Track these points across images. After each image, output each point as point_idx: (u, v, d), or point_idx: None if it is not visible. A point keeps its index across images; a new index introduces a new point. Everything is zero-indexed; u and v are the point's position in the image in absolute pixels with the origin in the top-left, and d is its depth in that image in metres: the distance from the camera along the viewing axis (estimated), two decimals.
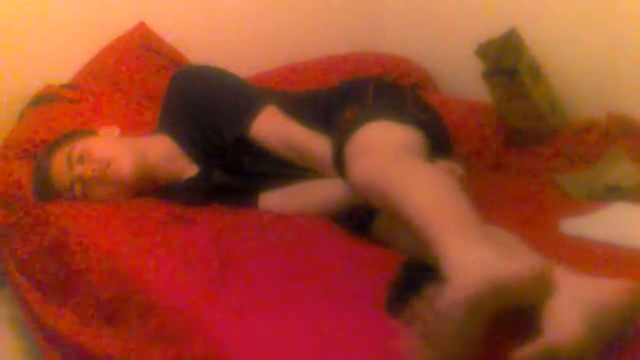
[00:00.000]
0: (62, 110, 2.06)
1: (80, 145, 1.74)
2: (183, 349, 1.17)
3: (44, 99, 2.11)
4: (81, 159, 1.71)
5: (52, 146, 1.80)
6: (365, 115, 1.53)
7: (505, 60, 2.09)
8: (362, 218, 1.51)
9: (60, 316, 1.59)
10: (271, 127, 1.69)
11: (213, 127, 1.74)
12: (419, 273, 1.21)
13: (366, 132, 1.47)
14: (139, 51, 2.27)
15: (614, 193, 1.65)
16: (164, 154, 1.81)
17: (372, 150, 1.38)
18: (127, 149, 1.75)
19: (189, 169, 1.82)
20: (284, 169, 1.68)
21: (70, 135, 1.81)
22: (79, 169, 1.71)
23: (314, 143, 1.64)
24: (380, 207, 1.41)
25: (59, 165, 1.74)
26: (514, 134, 2.12)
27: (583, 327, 0.98)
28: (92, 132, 1.84)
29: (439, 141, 1.60)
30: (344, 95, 1.74)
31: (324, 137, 1.63)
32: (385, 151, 1.37)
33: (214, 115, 1.73)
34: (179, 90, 1.81)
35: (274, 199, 1.70)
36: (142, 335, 1.29)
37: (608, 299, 1.03)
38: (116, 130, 1.86)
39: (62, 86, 2.16)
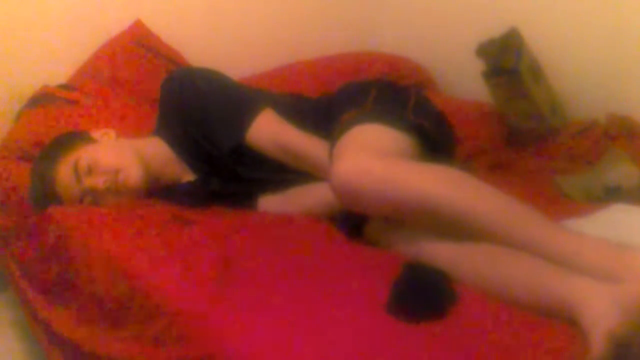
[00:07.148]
0: (59, 111, 2.05)
1: (86, 156, 1.70)
2: (187, 350, 1.17)
3: (41, 100, 2.09)
4: (89, 170, 1.68)
5: (51, 155, 1.74)
6: (360, 117, 1.53)
7: (506, 60, 2.08)
8: (357, 221, 1.50)
9: (63, 318, 1.58)
10: (267, 131, 1.67)
11: (207, 138, 1.71)
12: (421, 274, 1.21)
13: (355, 132, 1.47)
14: (136, 50, 2.26)
15: (614, 194, 1.64)
16: (162, 157, 1.79)
17: (356, 150, 1.38)
18: (132, 155, 1.72)
19: (186, 173, 1.81)
20: (281, 174, 1.67)
21: (68, 142, 1.77)
22: (88, 181, 1.68)
23: (311, 145, 1.62)
24: (362, 210, 1.38)
25: (66, 177, 1.70)
26: (514, 134, 2.12)
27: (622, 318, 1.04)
28: (88, 136, 1.80)
29: (441, 144, 1.60)
30: (345, 99, 1.72)
31: (322, 141, 1.61)
32: (368, 152, 1.36)
33: (207, 126, 1.70)
34: (171, 97, 1.77)
35: (273, 202, 1.69)
36: (146, 337, 1.29)
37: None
38: (112, 133, 1.82)
39: (59, 86, 2.15)
